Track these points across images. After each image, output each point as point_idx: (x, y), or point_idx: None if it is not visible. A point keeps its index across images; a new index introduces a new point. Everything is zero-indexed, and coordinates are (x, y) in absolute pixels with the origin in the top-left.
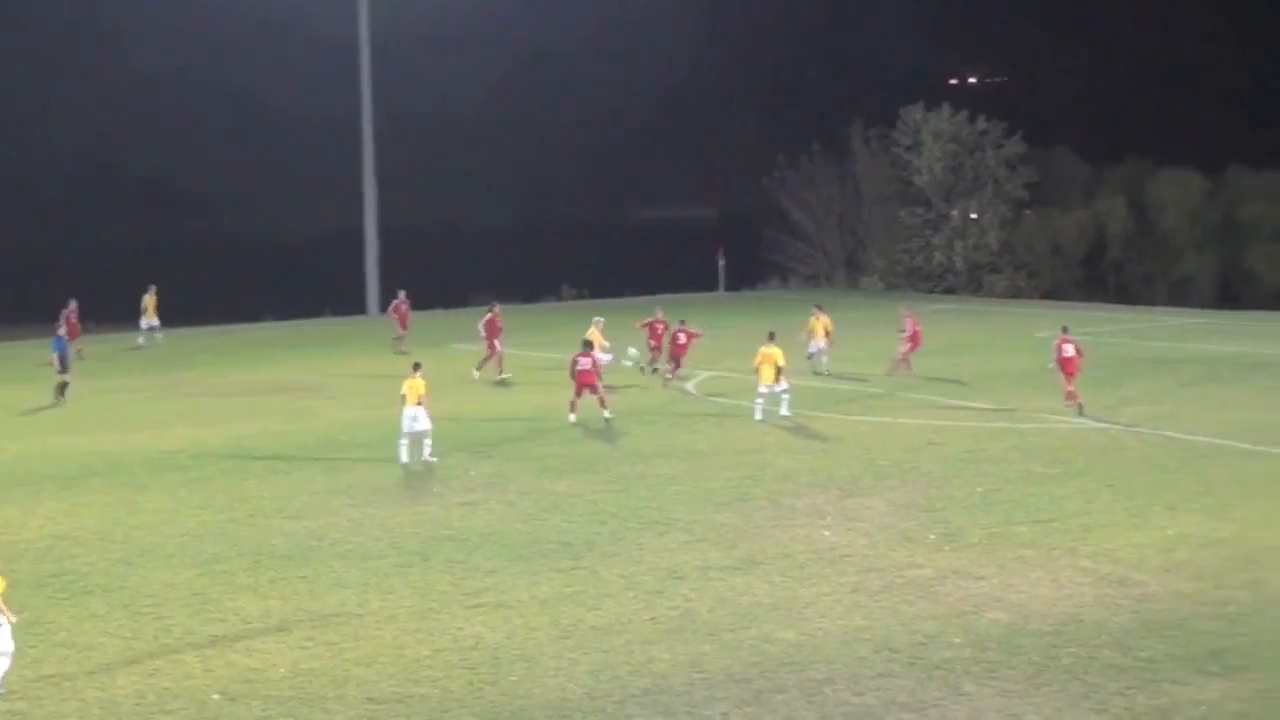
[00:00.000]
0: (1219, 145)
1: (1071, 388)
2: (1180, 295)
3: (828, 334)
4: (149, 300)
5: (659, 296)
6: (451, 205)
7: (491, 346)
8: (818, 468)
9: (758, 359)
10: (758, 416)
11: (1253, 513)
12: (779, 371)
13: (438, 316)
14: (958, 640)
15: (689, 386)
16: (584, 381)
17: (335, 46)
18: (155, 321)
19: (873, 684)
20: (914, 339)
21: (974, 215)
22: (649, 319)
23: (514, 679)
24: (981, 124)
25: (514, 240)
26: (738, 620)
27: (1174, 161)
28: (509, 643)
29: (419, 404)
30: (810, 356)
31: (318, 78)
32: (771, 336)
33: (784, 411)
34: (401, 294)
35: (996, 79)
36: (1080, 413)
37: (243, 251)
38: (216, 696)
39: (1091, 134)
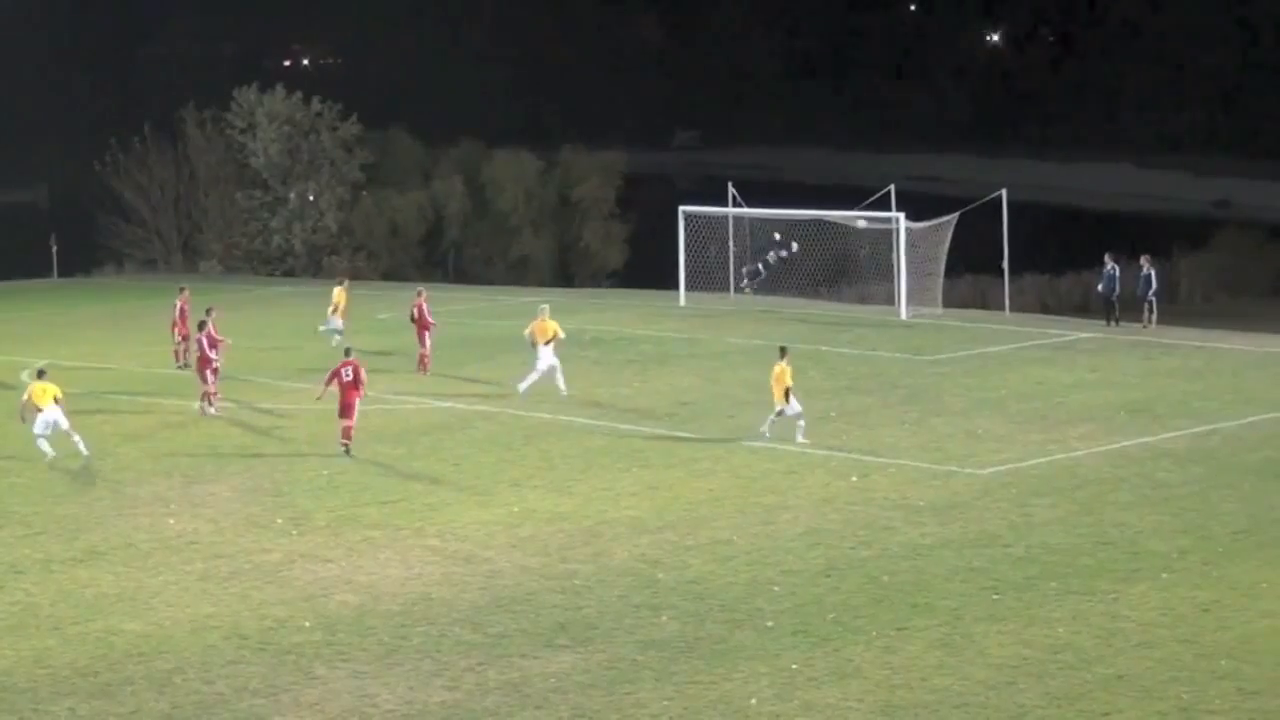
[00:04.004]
0: (550, 126)
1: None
2: (519, 274)
3: (338, 310)
4: None
5: None
6: None
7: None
8: (160, 454)
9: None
10: None
11: (594, 487)
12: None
13: None
14: (308, 624)
15: None
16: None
17: None
18: None
19: (223, 672)
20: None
21: (311, 197)
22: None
23: None
24: (317, 105)
25: None
26: (82, 613)
27: (508, 142)
28: None
29: (55, 403)
30: (323, 330)
31: None
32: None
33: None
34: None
35: (331, 60)
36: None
37: None
38: None
39: (427, 116)
